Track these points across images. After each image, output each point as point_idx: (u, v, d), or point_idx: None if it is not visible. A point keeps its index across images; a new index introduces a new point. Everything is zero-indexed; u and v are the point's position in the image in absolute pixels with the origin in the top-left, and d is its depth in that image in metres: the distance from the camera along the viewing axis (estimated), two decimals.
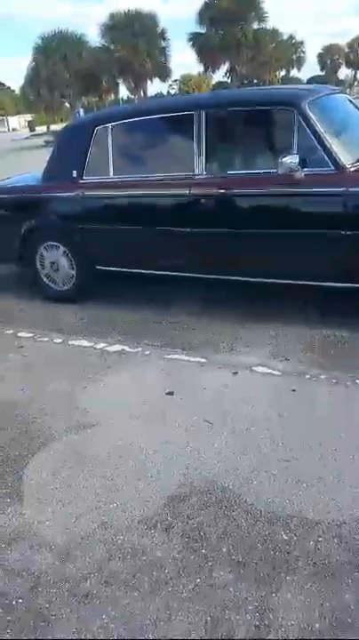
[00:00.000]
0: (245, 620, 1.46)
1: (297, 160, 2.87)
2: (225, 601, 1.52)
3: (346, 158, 2.93)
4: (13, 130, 49.72)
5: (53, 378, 2.92)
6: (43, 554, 1.75)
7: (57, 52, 36.24)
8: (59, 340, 3.41)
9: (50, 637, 1.48)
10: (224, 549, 1.69)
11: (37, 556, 1.75)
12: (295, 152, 2.93)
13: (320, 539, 1.69)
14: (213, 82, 46.46)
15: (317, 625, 1.43)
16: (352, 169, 2.90)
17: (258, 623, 1.45)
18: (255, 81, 40.40)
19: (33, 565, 1.71)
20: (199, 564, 1.65)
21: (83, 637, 1.47)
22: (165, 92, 49.75)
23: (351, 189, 2.83)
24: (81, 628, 1.50)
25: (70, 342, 3.37)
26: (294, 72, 51.62)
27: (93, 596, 1.58)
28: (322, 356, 2.84)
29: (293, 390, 2.54)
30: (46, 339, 3.46)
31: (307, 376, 2.65)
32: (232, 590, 1.55)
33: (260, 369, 2.77)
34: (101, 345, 3.27)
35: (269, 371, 2.75)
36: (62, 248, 3.91)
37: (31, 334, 3.55)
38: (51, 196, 3.89)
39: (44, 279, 4.09)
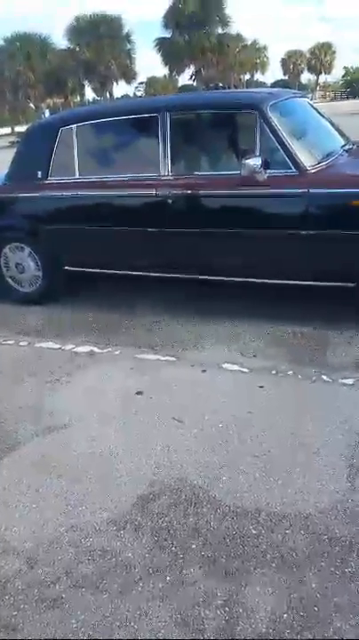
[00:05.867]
0: (215, 614, 1.47)
1: (259, 162, 2.91)
2: (195, 597, 1.53)
3: (307, 160, 2.99)
4: None
5: (21, 381, 2.87)
6: (10, 559, 1.72)
7: (21, 53, 35.73)
8: (26, 343, 3.36)
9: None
10: (194, 546, 1.70)
11: (4, 562, 1.71)
12: (258, 154, 2.97)
13: (287, 531, 1.71)
14: (179, 85, 46.65)
15: (285, 616, 1.45)
16: (313, 171, 2.97)
17: (227, 617, 1.46)
18: (220, 84, 40.78)
19: (0, 572, 1.68)
20: (169, 562, 1.65)
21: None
22: (132, 94, 49.71)
23: (311, 191, 2.89)
24: (50, 633, 1.48)
25: (37, 344, 3.32)
26: (259, 76, 52.58)
27: (63, 601, 1.57)
28: (288, 352, 2.89)
29: (261, 386, 2.57)
30: (12, 341, 3.40)
31: (274, 372, 2.70)
32: (202, 587, 1.56)
33: (229, 366, 2.80)
34: (70, 346, 3.24)
35: (237, 368, 2.77)
36: (27, 249, 3.85)
37: None
38: (16, 196, 3.83)
39: (9, 281, 4.01)
